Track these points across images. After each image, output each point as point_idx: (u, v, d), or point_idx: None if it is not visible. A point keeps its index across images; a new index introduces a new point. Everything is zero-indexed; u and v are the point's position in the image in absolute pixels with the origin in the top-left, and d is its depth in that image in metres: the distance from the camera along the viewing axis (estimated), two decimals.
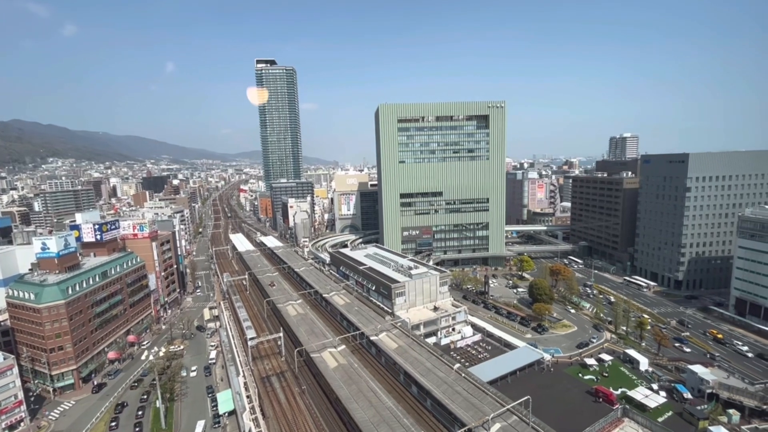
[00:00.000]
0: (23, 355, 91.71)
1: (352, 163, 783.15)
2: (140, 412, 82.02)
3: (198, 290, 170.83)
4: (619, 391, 77.71)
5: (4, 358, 78.85)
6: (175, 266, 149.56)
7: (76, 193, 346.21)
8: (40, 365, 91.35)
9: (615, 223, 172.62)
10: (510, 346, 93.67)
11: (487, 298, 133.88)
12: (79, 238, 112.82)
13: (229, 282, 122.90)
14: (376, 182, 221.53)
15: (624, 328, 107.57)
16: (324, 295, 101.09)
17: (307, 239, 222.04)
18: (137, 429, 77.70)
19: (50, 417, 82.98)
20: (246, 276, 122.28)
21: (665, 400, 74.30)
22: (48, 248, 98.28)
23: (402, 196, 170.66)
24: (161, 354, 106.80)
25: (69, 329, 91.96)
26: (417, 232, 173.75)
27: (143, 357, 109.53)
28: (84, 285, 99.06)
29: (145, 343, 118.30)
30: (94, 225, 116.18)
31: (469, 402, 53.63)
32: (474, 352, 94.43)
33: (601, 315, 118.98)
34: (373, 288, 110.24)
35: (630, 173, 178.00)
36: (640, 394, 74.74)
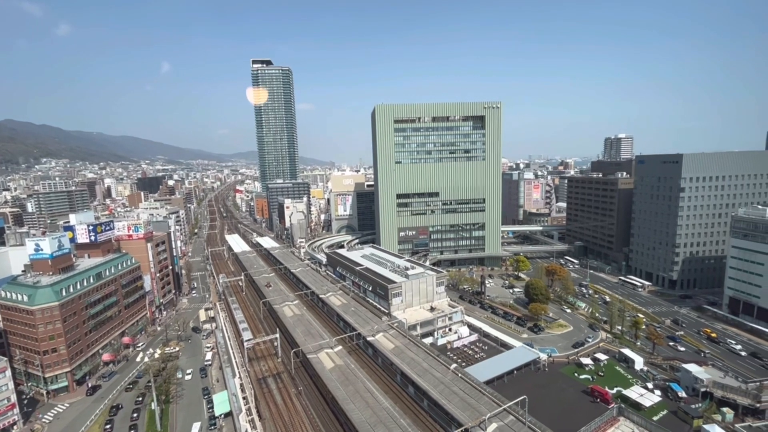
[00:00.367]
0: (16, 358, 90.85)
1: (348, 163, 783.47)
2: (135, 415, 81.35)
3: (194, 291, 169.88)
4: (614, 390, 78.12)
5: None
6: (170, 267, 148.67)
7: (70, 194, 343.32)
8: (34, 367, 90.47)
9: (610, 223, 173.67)
10: (506, 346, 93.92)
11: (483, 298, 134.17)
12: (73, 239, 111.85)
13: (225, 283, 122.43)
14: (372, 183, 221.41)
15: (619, 327, 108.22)
16: (320, 296, 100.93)
17: (303, 240, 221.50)
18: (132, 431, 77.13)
19: (44, 420, 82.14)
20: (242, 277, 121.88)
21: (660, 399, 74.71)
22: (41, 249, 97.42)
23: (398, 196, 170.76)
24: (156, 356, 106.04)
25: (63, 331, 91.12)
26: (413, 233, 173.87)
27: (138, 359, 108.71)
28: (78, 286, 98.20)
29: (140, 344, 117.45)
30: (88, 226, 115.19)
31: (465, 402, 53.73)
32: (470, 352, 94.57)
33: (597, 315, 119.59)
34: (370, 288, 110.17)
35: (625, 174, 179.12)
36: (635, 393, 75.18)
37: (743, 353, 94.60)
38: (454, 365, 63.60)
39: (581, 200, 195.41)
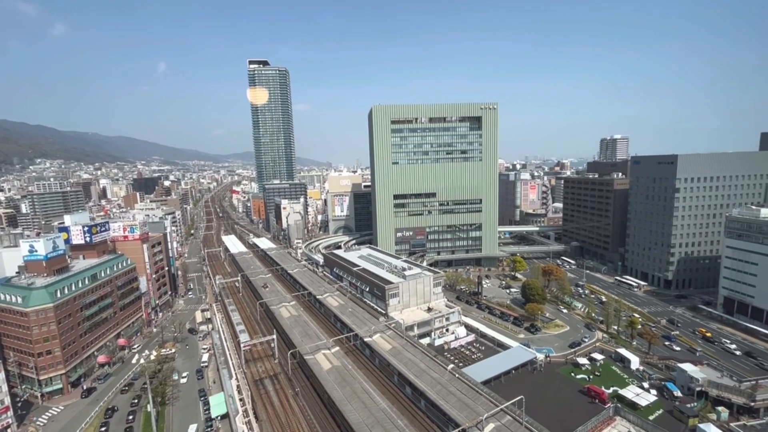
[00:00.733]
0: (10, 360, 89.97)
1: (345, 164, 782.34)
2: (131, 417, 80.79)
3: (190, 293, 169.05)
4: (610, 390, 78.45)
5: None
6: (166, 268, 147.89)
7: (65, 195, 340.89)
8: (28, 370, 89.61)
9: (606, 224, 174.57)
10: (503, 347, 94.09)
11: (480, 298, 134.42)
12: (67, 241, 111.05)
13: (221, 284, 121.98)
14: (369, 183, 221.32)
15: (615, 327, 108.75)
16: (317, 297, 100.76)
17: (300, 241, 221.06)
18: None
19: (38, 423, 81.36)
20: (239, 278, 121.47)
21: (656, 398, 75.16)
22: (36, 251, 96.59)
23: (395, 197, 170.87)
24: (152, 357, 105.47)
25: (57, 333, 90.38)
26: (410, 233, 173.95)
27: (134, 361, 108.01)
28: (73, 288, 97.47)
29: (135, 346, 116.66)
30: (83, 227, 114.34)
31: (463, 402, 53.77)
32: (467, 352, 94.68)
33: (593, 315, 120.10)
34: (367, 289, 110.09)
35: (620, 174, 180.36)
36: (631, 392, 75.59)
37: (738, 352, 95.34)
38: (452, 366, 63.65)
39: (577, 201, 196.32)
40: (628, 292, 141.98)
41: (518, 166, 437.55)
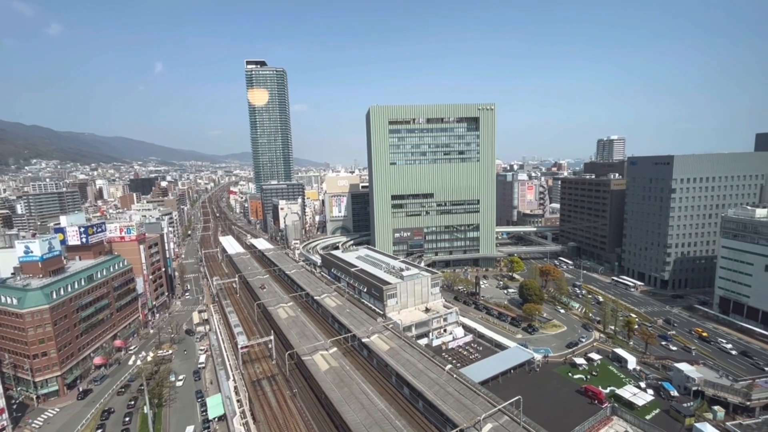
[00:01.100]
0: (5, 362, 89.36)
1: (343, 164, 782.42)
2: (127, 419, 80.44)
3: (187, 294, 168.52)
4: (608, 390, 78.77)
5: None
6: (163, 269, 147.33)
7: (61, 195, 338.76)
8: (23, 372, 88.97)
9: (603, 224, 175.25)
10: (501, 347, 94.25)
11: (478, 299, 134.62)
12: (63, 241, 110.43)
13: (218, 285, 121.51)
14: (367, 184, 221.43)
15: (612, 327, 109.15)
16: (315, 298, 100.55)
17: (298, 241, 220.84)
18: None
19: (34, 425, 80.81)
20: (236, 279, 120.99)
21: (653, 398, 75.49)
22: (31, 252, 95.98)
23: (393, 197, 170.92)
24: (149, 359, 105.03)
25: (53, 334, 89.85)
26: (408, 234, 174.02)
27: (130, 362, 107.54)
28: (69, 289, 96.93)
29: (132, 347, 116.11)
30: (79, 228, 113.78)
31: (460, 403, 53.78)
32: (465, 352, 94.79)
33: (590, 315, 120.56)
34: (365, 290, 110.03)
35: (617, 175, 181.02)
36: (628, 392, 75.90)
37: (734, 352, 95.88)
38: (449, 366, 63.64)
39: (574, 201, 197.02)
40: (624, 292, 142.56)
41: (516, 167, 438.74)
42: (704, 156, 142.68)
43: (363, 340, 75.17)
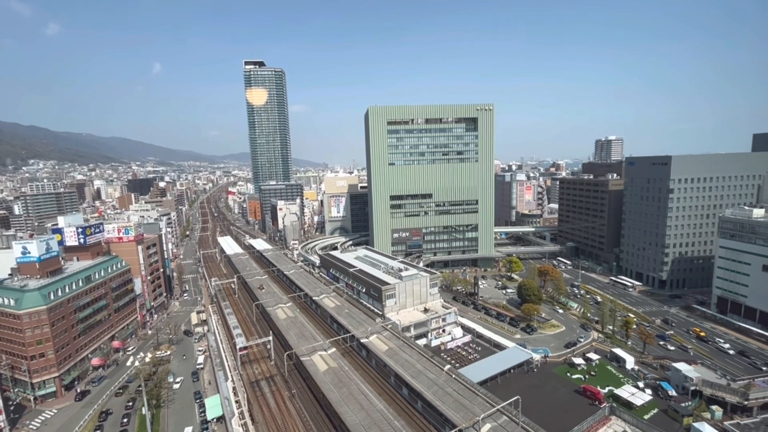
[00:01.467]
0: (2, 363, 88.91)
1: (341, 165, 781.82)
2: (125, 420, 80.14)
3: (185, 294, 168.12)
4: (606, 390, 78.84)
5: None
6: (161, 270, 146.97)
7: (59, 196, 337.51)
8: (21, 373, 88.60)
9: (601, 224, 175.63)
10: (499, 347, 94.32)
11: (476, 299, 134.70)
12: (61, 242, 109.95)
13: (217, 285, 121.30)
14: (365, 184, 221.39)
15: (610, 327, 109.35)
16: (314, 298, 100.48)
17: (296, 242, 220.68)
18: None
19: (31, 426, 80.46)
20: (234, 279, 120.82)
21: (651, 397, 75.58)
22: (29, 252, 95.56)
23: (392, 198, 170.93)
24: (147, 359, 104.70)
25: (51, 336, 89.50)
26: (407, 234, 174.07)
27: (128, 363, 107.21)
28: (66, 290, 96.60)
29: (130, 348, 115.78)
30: (77, 228, 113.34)
31: (459, 403, 53.82)
32: (464, 353, 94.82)
33: (588, 315, 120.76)
34: (364, 290, 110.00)
35: (615, 175, 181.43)
36: (626, 392, 75.98)
37: (731, 352, 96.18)
38: (448, 366, 63.69)
39: (573, 201, 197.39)
40: (623, 292, 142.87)
41: (514, 167, 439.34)
42: (702, 156, 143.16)
43: (362, 340, 75.15)
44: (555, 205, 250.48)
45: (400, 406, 58.76)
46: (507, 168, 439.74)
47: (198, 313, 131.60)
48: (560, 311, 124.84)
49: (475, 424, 48.54)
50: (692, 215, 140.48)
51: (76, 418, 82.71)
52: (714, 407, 72.80)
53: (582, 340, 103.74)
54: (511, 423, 49.31)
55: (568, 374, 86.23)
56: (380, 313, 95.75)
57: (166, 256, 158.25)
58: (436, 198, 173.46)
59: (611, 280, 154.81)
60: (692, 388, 76.71)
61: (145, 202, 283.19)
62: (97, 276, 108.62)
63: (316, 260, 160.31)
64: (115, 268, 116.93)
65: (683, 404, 73.28)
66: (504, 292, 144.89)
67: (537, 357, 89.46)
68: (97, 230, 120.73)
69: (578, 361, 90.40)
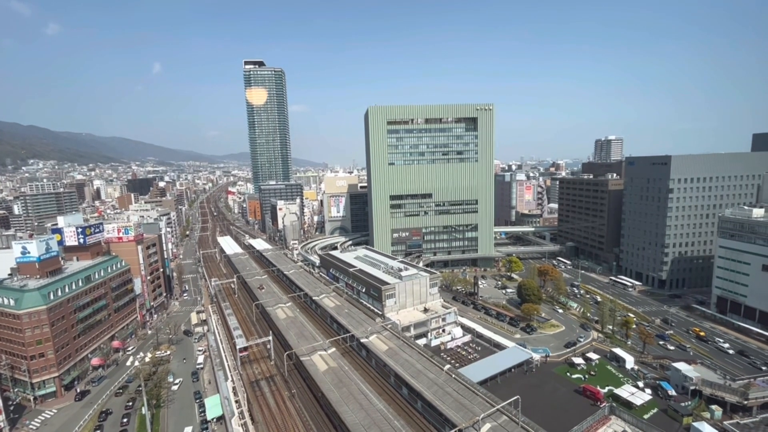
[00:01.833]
0: (2, 363, 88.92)
1: (341, 165, 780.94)
2: (125, 420, 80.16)
3: (185, 294, 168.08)
4: (606, 390, 78.87)
5: None
6: (161, 270, 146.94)
7: (58, 196, 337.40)
8: (20, 373, 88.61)
9: (601, 224, 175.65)
10: (499, 347, 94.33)
11: (476, 299, 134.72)
12: (61, 242, 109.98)
13: (217, 285, 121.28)
14: (365, 184, 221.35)
15: (610, 327, 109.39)
16: (314, 298, 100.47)
17: (296, 241, 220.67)
18: None
19: (31, 426, 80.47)
20: (234, 279, 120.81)
21: (650, 397, 75.61)
22: (28, 252, 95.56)
23: (392, 197, 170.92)
24: (147, 359, 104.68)
25: (50, 335, 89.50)
26: (407, 234, 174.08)
27: (128, 363, 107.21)
28: (66, 290, 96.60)
29: (130, 348, 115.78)
30: (77, 228, 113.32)
31: (459, 403, 53.83)
32: (464, 353, 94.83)
33: (588, 314, 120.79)
34: (363, 290, 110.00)
35: (615, 175, 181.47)
36: (626, 392, 76.01)
37: (731, 351, 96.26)
38: (448, 366, 63.69)
39: (572, 201, 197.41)
40: (622, 291, 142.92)
41: (514, 167, 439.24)
42: (701, 156, 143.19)
43: (362, 340, 75.15)
44: (555, 205, 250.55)
45: (399, 405, 58.77)
46: (507, 168, 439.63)
47: (198, 313, 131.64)
48: (560, 311, 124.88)
49: (475, 423, 48.56)
50: (692, 215, 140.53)
51: (76, 418, 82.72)
52: (714, 407, 72.86)
53: (582, 339, 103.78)
54: (510, 423, 49.32)
55: (568, 374, 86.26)
56: (380, 312, 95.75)
57: (165, 256, 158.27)
58: (436, 198, 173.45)
59: (611, 279, 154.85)
60: (692, 387, 76.75)
61: (145, 202, 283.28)
62: (96, 276, 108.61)
63: (316, 260, 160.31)
64: (114, 268, 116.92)
65: (683, 404, 73.32)
66: (504, 291, 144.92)
67: (537, 357, 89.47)
68: (97, 230, 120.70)
69: (578, 360, 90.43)
